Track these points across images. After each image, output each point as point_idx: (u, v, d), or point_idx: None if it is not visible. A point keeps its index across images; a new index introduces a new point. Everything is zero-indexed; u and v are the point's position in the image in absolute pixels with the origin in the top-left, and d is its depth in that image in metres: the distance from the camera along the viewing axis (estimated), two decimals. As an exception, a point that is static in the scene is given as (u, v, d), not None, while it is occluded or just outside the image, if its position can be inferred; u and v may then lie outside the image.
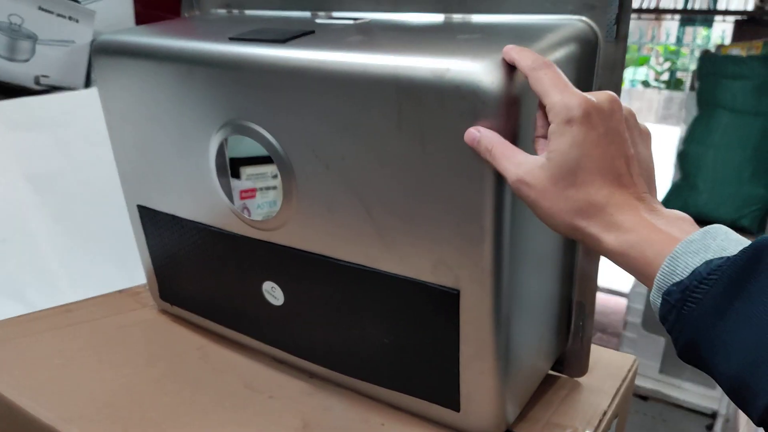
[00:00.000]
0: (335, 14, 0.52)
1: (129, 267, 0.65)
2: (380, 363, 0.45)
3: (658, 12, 3.31)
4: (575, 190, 0.32)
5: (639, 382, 2.24)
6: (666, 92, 5.24)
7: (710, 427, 2.04)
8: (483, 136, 0.33)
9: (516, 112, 0.34)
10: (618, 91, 0.43)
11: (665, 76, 5.37)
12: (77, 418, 0.41)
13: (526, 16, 0.43)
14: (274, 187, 0.64)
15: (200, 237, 0.51)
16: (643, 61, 5.43)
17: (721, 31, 4.26)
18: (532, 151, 0.34)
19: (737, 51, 2.15)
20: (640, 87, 5.51)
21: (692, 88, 2.28)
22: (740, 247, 0.28)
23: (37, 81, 0.80)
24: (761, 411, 0.26)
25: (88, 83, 0.86)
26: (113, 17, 0.95)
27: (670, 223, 0.32)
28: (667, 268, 0.29)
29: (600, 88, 0.43)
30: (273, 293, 0.48)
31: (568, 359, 0.53)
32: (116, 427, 0.41)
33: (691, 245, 0.29)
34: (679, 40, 5.13)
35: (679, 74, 5.22)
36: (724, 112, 2.10)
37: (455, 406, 0.43)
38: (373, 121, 0.37)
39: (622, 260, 0.32)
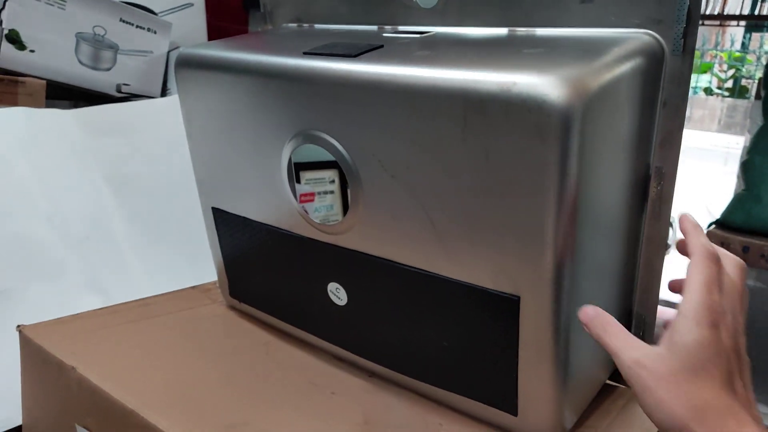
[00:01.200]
0: (401, 28, 0.54)
1: (200, 264, 0.69)
2: (439, 365, 0.47)
3: (723, 18, 3.19)
4: (694, 388, 0.33)
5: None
6: (730, 100, 5.04)
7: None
8: (598, 314, 0.36)
9: (581, 127, 0.35)
10: (684, 103, 0.43)
11: (729, 84, 5.17)
12: (157, 406, 0.44)
13: (590, 30, 0.44)
14: (332, 192, 0.66)
15: (270, 238, 0.54)
16: (706, 68, 5.24)
17: (792, 36, 4.07)
18: (591, 181, 0.35)
19: (809, 58, 2.05)
20: (702, 95, 5.32)
21: (758, 96, 2.19)
22: None
23: (118, 89, 0.86)
24: None
25: (164, 91, 0.91)
26: (187, 28, 1.01)
27: None
28: None
29: (665, 102, 0.43)
30: (337, 294, 0.50)
31: (626, 370, 0.53)
32: (192, 414, 0.44)
33: None
34: (744, 47, 4.93)
35: (744, 82, 5.02)
36: (793, 121, 2.01)
37: (513, 410, 0.44)
38: (439, 133, 0.39)
39: None
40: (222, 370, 0.51)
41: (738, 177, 2.28)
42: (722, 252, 0.38)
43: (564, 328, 0.41)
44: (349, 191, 0.45)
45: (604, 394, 0.51)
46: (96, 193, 0.73)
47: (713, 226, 2.24)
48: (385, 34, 0.52)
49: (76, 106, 0.80)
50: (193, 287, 0.66)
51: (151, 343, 0.54)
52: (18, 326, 0.53)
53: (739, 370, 0.34)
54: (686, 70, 0.42)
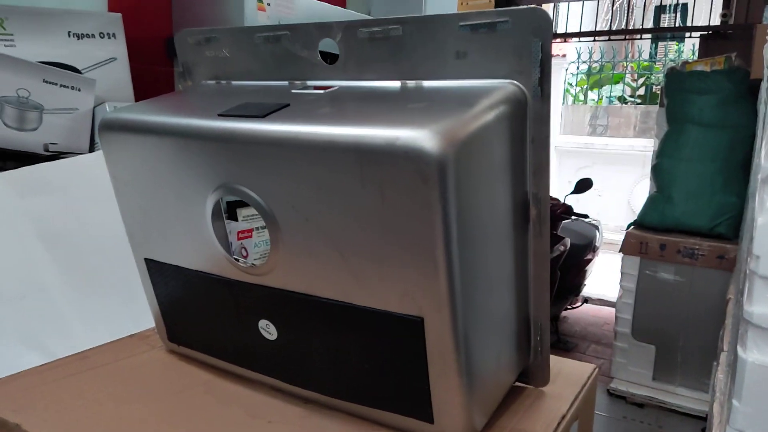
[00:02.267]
0: (309, 83, 0.60)
1: (137, 312, 0.72)
2: (363, 385, 0.52)
3: (628, 32, 3.44)
4: None
5: (634, 390, 2.30)
6: (642, 107, 5.40)
7: (705, 429, 2.09)
8: None
9: (456, 170, 0.42)
10: (548, 138, 0.51)
11: (641, 91, 5.53)
12: (103, 450, 0.48)
13: (466, 82, 0.51)
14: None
15: (201, 283, 0.58)
16: (618, 79, 5.60)
17: (692, 45, 4.41)
18: (472, 211, 0.42)
19: (701, 67, 2.25)
20: (617, 103, 5.67)
21: (662, 104, 2.39)
22: None
23: (46, 148, 0.88)
24: None
25: (92, 146, 0.93)
26: (112, 82, 1.04)
27: None
28: None
29: (533, 139, 0.51)
30: (267, 330, 0.55)
31: (532, 371, 0.60)
32: (137, 455, 0.47)
33: None
34: (652, 56, 5.31)
35: (655, 89, 5.39)
36: (692, 126, 2.20)
37: (429, 419, 0.50)
38: (341, 180, 0.45)
39: None
40: (163, 412, 0.54)
41: (650, 180, 2.46)
42: None
43: (465, 341, 0.47)
44: (269, 236, 0.50)
45: (512, 395, 0.58)
46: (29, 252, 0.75)
47: (632, 227, 2.40)
48: (293, 91, 0.58)
49: (4, 166, 0.81)
50: (131, 335, 0.69)
51: (93, 394, 0.57)
52: (-41, 391, 0.55)
53: None
54: (546, 111, 0.50)
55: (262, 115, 0.49)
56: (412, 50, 0.54)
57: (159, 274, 0.61)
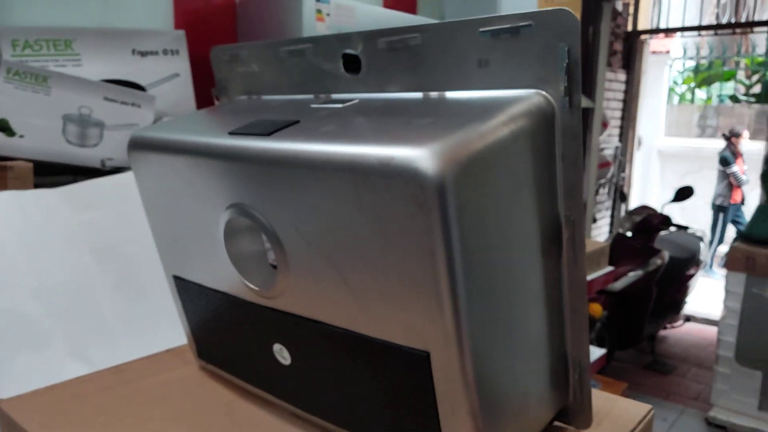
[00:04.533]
0: (333, 96, 0.57)
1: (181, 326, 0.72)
2: (375, 419, 0.49)
3: (737, 26, 3.14)
4: None
5: (736, 419, 2.07)
6: (757, 106, 4.92)
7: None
8: None
9: (457, 193, 0.37)
10: (580, 154, 0.45)
11: (756, 89, 5.04)
12: (111, 471, 0.47)
13: (488, 92, 0.47)
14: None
15: (221, 303, 0.57)
16: (729, 76, 5.13)
17: (815, 36, 3.96)
18: (482, 238, 0.37)
19: (821, 61, 2.01)
20: (728, 102, 5.19)
21: (773, 104, 2.15)
22: None
23: (103, 164, 0.92)
24: None
25: (149, 161, 0.97)
26: (176, 97, 1.07)
27: None
28: None
29: (563, 156, 0.45)
30: (282, 354, 0.53)
31: (572, 412, 0.54)
32: (142, 478, 0.47)
33: None
34: (767, 52, 4.82)
35: (771, 86, 4.90)
36: (808, 128, 1.96)
37: (443, 461, 0.46)
38: (338, 203, 0.41)
39: None
40: (180, 432, 0.53)
41: (761, 188, 2.22)
42: None
43: (477, 379, 0.42)
44: (276, 258, 0.48)
45: (547, 438, 0.52)
46: (81, 265, 0.78)
47: (738, 240, 2.18)
48: (313, 105, 0.55)
49: (58, 181, 0.86)
50: (168, 350, 0.69)
51: (120, 409, 0.57)
52: (-2, 400, 0.57)
53: None
54: (576, 124, 0.44)
55: (268, 132, 0.47)
56: (433, 59, 0.50)
57: (185, 291, 0.61)
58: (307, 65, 0.59)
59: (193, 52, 1.15)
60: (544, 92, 0.44)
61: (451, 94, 0.50)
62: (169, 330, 0.78)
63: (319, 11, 1.18)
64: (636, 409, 0.57)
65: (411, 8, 1.83)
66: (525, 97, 0.44)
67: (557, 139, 0.45)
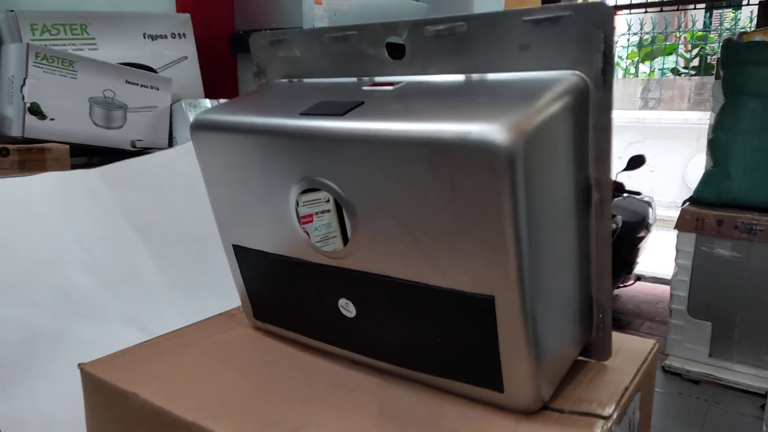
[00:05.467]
0: (377, 79, 0.64)
1: (222, 293, 0.78)
2: (437, 358, 0.57)
3: (680, 2, 3.33)
4: None
5: (690, 366, 2.28)
6: (697, 78, 5.22)
7: (764, 406, 2.06)
8: None
9: (525, 160, 0.45)
10: (610, 125, 0.53)
11: (695, 63, 5.34)
12: (210, 416, 0.54)
13: (529, 74, 0.55)
14: (328, 211, 0.76)
15: (285, 267, 0.63)
16: (671, 50, 5.42)
17: (749, 12, 4.22)
18: (538, 198, 0.45)
19: (760, 37, 2.18)
20: (670, 75, 5.49)
21: (717, 76, 2.32)
22: None
23: (133, 144, 0.95)
24: None
25: (170, 141, 1.01)
26: (185, 79, 1.11)
27: None
28: None
29: (595, 126, 0.53)
30: (347, 308, 0.60)
31: (594, 346, 0.63)
32: (238, 419, 0.54)
33: None
34: (706, 26, 5.11)
35: (710, 59, 5.20)
36: (750, 98, 2.14)
37: (500, 388, 0.54)
38: (414, 172, 0.49)
39: None
40: (256, 381, 0.60)
41: (707, 154, 2.40)
42: None
43: (532, 317, 0.51)
44: (347, 222, 0.55)
45: (575, 369, 0.61)
46: (125, 241, 0.82)
47: (688, 203, 2.36)
48: (363, 87, 0.62)
49: (90, 162, 0.89)
50: (220, 314, 0.75)
51: (193, 366, 0.63)
52: (79, 364, 0.62)
53: None
54: (608, 99, 0.52)
55: (341, 113, 0.54)
56: (476, 45, 0.57)
57: (245, 258, 0.67)
58: (351, 50, 0.65)
59: (194, 35, 1.18)
60: (580, 72, 0.53)
61: (492, 76, 0.57)
62: (208, 298, 0.84)
63: (317, -6, 1.23)
64: (643, 344, 0.67)
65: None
66: (565, 77, 0.52)
67: (590, 112, 0.53)
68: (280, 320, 0.69)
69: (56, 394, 0.68)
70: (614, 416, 0.53)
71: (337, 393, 0.58)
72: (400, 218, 0.52)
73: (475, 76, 0.58)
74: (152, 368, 0.62)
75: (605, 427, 0.52)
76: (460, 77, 0.59)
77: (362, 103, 0.56)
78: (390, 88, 0.60)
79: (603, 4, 0.50)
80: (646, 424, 0.65)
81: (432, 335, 0.56)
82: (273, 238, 0.63)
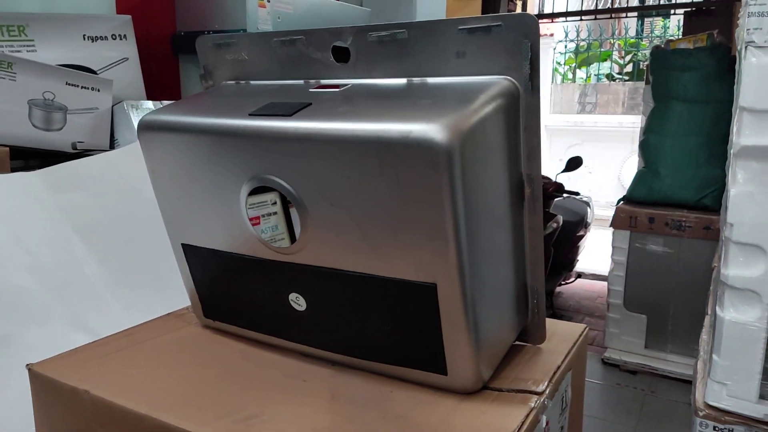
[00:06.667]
0: (323, 82, 0.67)
1: (168, 294, 0.79)
2: (385, 346, 0.60)
3: (614, 11, 3.51)
4: None
5: (627, 358, 2.40)
6: (630, 84, 5.48)
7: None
8: None
9: (461, 157, 0.49)
10: (538, 126, 0.58)
11: (629, 68, 5.62)
12: (163, 408, 0.55)
13: (465, 78, 0.59)
14: (275, 213, 0.78)
15: (236, 264, 0.65)
16: (606, 56, 5.68)
17: (677, 20, 4.49)
18: (475, 192, 0.49)
19: (685, 44, 2.32)
20: (605, 81, 5.75)
21: (647, 81, 2.46)
22: None
23: (74, 146, 0.94)
24: None
25: (112, 143, 1.00)
26: (126, 80, 1.10)
27: None
28: None
29: (525, 127, 0.58)
30: (297, 302, 0.63)
31: (530, 331, 0.68)
32: (191, 410, 0.55)
33: None
34: (638, 33, 5.39)
35: (642, 65, 5.48)
36: (677, 102, 2.28)
37: (443, 372, 0.58)
38: (362, 169, 0.52)
39: None
40: (209, 375, 0.62)
41: (638, 155, 2.54)
42: None
43: (472, 304, 0.54)
44: (298, 219, 0.58)
45: (513, 352, 0.66)
46: (68, 243, 0.82)
47: (622, 202, 2.49)
48: (310, 90, 0.64)
49: (28, 164, 0.87)
50: (168, 314, 0.76)
51: (144, 363, 0.64)
52: (27, 365, 0.62)
53: None
54: (536, 102, 0.57)
55: (289, 113, 0.56)
56: (417, 51, 0.61)
57: (195, 257, 0.69)
58: (298, 54, 0.68)
59: (136, 36, 1.17)
60: (510, 78, 0.57)
61: (432, 80, 0.61)
62: (154, 299, 0.84)
63: (261, -2, 1.24)
64: (574, 328, 0.73)
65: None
66: (497, 81, 0.57)
67: (521, 114, 0.58)
68: (231, 318, 0.70)
69: (2, 398, 0.67)
70: (547, 391, 0.58)
71: (290, 383, 0.60)
72: (350, 213, 0.55)
73: (416, 80, 0.62)
74: (102, 367, 0.63)
75: (539, 402, 0.56)
76: (402, 81, 0.62)
77: (310, 104, 0.58)
78: (336, 90, 0.63)
79: (529, 16, 0.54)
80: (578, 401, 0.70)
81: (380, 324, 0.59)
82: (223, 236, 0.64)
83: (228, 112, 0.61)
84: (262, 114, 0.58)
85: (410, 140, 0.49)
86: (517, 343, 0.68)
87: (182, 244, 0.69)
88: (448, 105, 0.53)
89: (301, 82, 0.68)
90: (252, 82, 0.73)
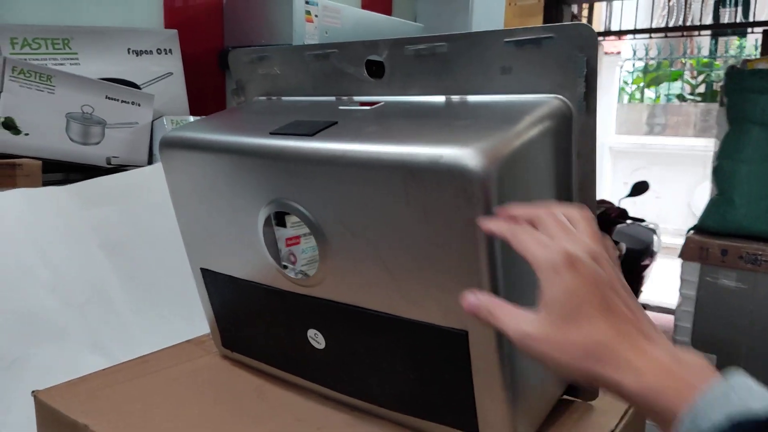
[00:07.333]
0: (356, 98, 0.61)
1: (193, 318, 0.75)
2: (409, 395, 0.53)
3: (685, 29, 3.33)
4: (578, 332, 0.34)
5: (692, 402, 2.21)
6: (703, 105, 5.19)
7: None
8: (481, 301, 0.37)
9: (499, 187, 0.42)
10: (593, 152, 0.50)
11: (701, 89, 5.33)
12: (162, 451, 0.50)
13: (510, 97, 0.52)
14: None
15: (254, 293, 0.60)
16: (677, 76, 5.41)
17: (755, 40, 4.22)
18: None
19: (763, 65, 2.16)
20: (676, 101, 5.47)
21: (721, 103, 2.29)
22: (764, 402, 0.29)
23: (108, 161, 0.93)
24: None
25: (150, 158, 0.98)
26: (170, 95, 1.09)
27: (682, 365, 0.33)
28: (689, 424, 0.29)
29: (579, 153, 0.50)
30: (316, 339, 0.57)
31: (581, 385, 0.59)
32: (194, 457, 0.50)
33: (712, 397, 0.30)
34: (711, 53, 5.11)
35: (715, 86, 5.18)
36: (754, 126, 2.11)
37: (474, 429, 0.50)
38: (386, 197, 0.46)
39: (642, 402, 0.32)
40: (218, 415, 0.57)
41: (711, 182, 2.36)
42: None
43: (509, 355, 0.47)
44: (317, 248, 0.52)
45: (560, 408, 0.58)
46: (92, 261, 0.80)
47: (692, 231, 2.32)
48: (341, 107, 0.59)
49: (68, 179, 0.86)
50: (188, 341, 0.72)
51: (153, 396, 0.60)
52: (33, 392, 0.59)
53: (618, 295, 0.34)
54: (591, 125, 0.49)
55: (312, 133, 0.51)
56: (458, 66, 0.54)
57: (213, 283, 0.64)
58: (331, 69, 0.63)
59: (182, 51, 1.16)
60: (562, 97, 0.50)
61: (473, 98, 0.54)
62: (178, 323, 0.80)
63: (308, 12, 1.22)
64: (632, 381, 0.63)
65: (386, 10, 1.87)
66: (546, 100, 0.49)
67: (573, 139, 0.50)
68: (249, 350, 0.65)
69: (12, 422, 0.65)
70: (597, 464, 0.49)
71: (303, 430, 0.54)
72: (373, 246, 0.49)
73: (455, 98, 0.55)
74: (109, 399, 0.59)
75: (586, 476, 0.48)
76: (440, 98, 0.56)
77: (335, 123, 0.53)
78: (367, 108, 0.57)
79: (585, 26, 0.47)
80: (634, 470, 0.61)
81: (404, 371, 0.52)
82: (241, 262, 0.60)
83: (250, 130, 0.57)
84: (283, 133, 0.53)
85: (440, 166, 0.42)
86: (565, 397, 0.59)
87: (201, 269, 0.65)
88: (488, 127, 0.46)
89: (333, 98, 0.63)
90: (284, 98, 0.68)
